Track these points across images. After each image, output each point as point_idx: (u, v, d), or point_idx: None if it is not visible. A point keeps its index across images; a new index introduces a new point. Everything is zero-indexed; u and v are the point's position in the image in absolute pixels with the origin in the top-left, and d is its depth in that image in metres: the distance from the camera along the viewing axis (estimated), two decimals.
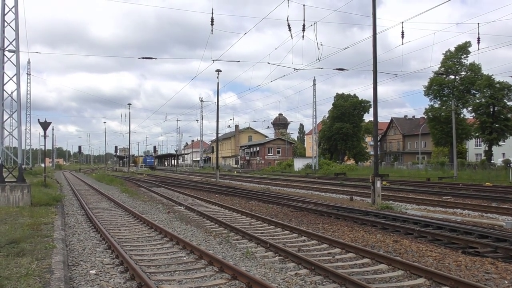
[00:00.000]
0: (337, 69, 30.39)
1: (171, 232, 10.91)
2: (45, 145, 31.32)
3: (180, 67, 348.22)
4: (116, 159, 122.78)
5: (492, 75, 50.64)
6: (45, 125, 25.93)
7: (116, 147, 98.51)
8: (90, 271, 7.50)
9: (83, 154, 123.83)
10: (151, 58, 25.69)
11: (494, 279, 7.06)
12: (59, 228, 11.53)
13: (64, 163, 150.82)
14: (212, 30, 20.64)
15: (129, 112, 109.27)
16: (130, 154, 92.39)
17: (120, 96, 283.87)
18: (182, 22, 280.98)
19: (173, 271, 7.61)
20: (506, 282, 6.91)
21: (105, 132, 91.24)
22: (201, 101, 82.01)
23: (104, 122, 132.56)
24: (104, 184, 35.15)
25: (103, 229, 11.47)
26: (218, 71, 40.66)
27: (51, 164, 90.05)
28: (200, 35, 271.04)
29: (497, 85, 49.84)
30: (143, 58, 25.88)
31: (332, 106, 76.35)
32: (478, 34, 22.74)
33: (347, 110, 73.30)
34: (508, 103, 50.62)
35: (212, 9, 20.80)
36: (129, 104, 69.00)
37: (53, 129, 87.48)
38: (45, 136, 27.69)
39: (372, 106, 19.85)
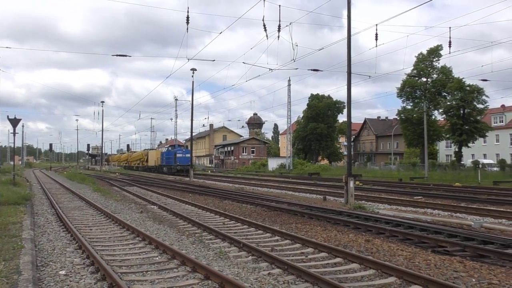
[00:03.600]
0: (311, 69, 30.60)
1: (143, 232, 10.80)
2: (14, 143, 30.71)
3: (152, 65, 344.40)
4: (88, 157, 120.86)
5: (463, 78, 51.85)
6: (14, 122, 25.33)
7: (88, 145, 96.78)
8: (60, 272, 7.36)
9: (54, 152, 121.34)
10: (125, 56, 25.41)
11: (462, 277, 7.21)
12: (28, 227, 11.29)
13: (35, 161, 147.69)
14: (187, 29, 20.51)
15: (102, 110, 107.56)
16: (103, 152, 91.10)
17: (91, 93, 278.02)
18: (153, 20, 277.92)
19: (145, 271, 7.53)
20: (474, 280, 7.06)
21: (77, 129, 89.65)
22: (176, 99, 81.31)
23: (77, 120, 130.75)
24: (75, 183, 34.56)
25: (73, 228, 11.28)
26: (193, 70, 40.50)
27: (20, 162, 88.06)
28: (172, 33, 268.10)
29: (467, 88, 50.94)
30: (116, 55, 25.65)
31: (306, 107, 76.90)
32: (450, 38, 23.24)
33: (322, 111, 73.90)
34: (477, 106, 51.81)
35: (188, 8, 20.67)
36: (103, 102, 67.99)
37: (23, 126, 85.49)
38: (14, 133, 27.07)
39: (346, 107, 20.06)
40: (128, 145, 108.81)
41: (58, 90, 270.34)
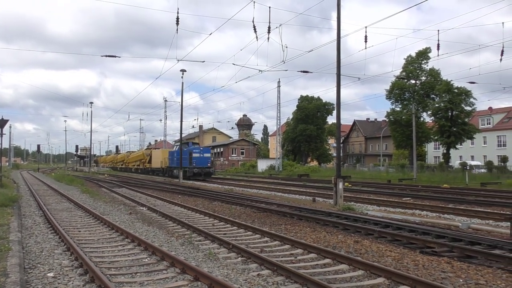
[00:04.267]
0: (301, 71, 30.70)
1: (132, 233, 10.75)
2: (1, 144, 30.32)
3: (141, 66, 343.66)
4: (76, 159, 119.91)
5: (451, 80, 52.34)
6: (2, 123, 25.10)
7: (76, 146, 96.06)
8: (48, 274, 7.30)
9: (42, 153, 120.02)
10: (114, 56, 25.30)
11: (450, 278, 7.28)
12: (16, 229, 11.18)
13: (22, 162, 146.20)
14: (177, 30, 20.46)
15: (91, 111, 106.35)
16: (92, 153, 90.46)
17: (79, 94, 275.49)
18: (142, 20, 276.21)
19: (134, 273, 7.49)
20: (461, 280, 7.13)
21: (65, 130, 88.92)
22: (165, 101, 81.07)
23: (65, 121, 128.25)
24: (63, 184, 34.29)
25: (62, 230, 11.19)
26: (183, 71, 40.39)
27: (7, 164, 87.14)
28: (161, 34, 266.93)
29: (455, 90, 51.45)
30: (105, 56, 25.46)
31: (296, 108, 77.05)
32: (438, 40, 23.32)
33: (311, 112, 74.07)
34: (465, 108, 52.30)
35: (178, 9, 20.64)
36: (91, 103, 67.54)
37: (10, 126, 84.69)
38: (1, 134, 26.79)
39: (336, 108, 20.14)
40: (117, 146, 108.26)
41: (45, 91, 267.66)
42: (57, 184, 34.98)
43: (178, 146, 48.51)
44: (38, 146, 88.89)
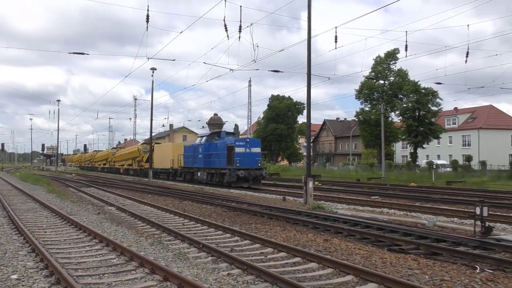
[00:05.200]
0: (272, 70, 30.81)
1: (100, 234, 10.56)
2: None
3: (110, 63, 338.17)
4: (43, 158, 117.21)
5: (418, 81, 53.44)
6: None
7: (43, 145, 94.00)
8: (12, 276, 7.10)
9: (6, 152, 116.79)
10: (82, 54, 24.77)
11: (416, 275, 7.42)
12: None
13: None
14: (147, 27, 20.26)
15: (58, 109, 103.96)
16: (59, 152, 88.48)
17: (45, 92, 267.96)
18: (110, 17, 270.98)
19: (102, 274, 7.36)
20: (427, 277, 7.28)
21: (31, 129, 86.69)
22: (135, 99, 79.92)
23: (31, 119, 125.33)
24: (29, 184, 33.46)
25: (26, 231, 10.90)
26: (153, 69, 39.94)
27: None
28: (130, 32, 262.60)
29: (423, 91, 52.56)
30: (73, 53, 24.81)
31: (266, 107, 77.33)
32: (406, 42, 23.75)
33: (282, 112, 74.50)
34: (432, 108, 53.48)
35: (148, 6, 20.43)
36: (58, 101, 66.11)
37: None
38: None
39: (306, 108, 20.29)
40: (85, 145, 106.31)
41: (10, 88, 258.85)
42: (22, 183, 34.12)
43: (205, 138, 33.74)
44: (2, 144, 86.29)
